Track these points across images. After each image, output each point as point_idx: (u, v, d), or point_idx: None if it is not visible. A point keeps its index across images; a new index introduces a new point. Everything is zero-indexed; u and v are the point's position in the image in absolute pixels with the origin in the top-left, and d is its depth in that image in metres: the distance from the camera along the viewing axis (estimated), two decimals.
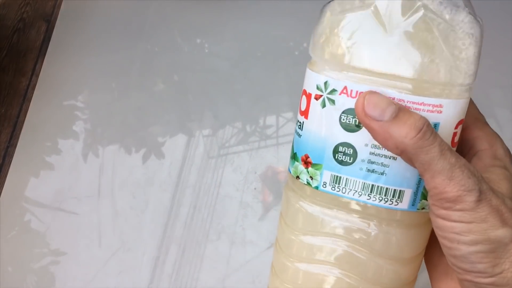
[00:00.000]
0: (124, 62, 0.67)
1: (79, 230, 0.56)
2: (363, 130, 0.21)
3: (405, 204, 0.22)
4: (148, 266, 0.54)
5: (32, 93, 0.65)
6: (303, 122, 0.24)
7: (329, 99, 0.22)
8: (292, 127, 0.61)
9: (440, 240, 0.21)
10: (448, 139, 0.22)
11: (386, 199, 0.22)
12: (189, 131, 0.61)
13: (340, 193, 0.23)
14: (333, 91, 0.22)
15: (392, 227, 0.23)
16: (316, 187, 0.23)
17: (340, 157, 0.22)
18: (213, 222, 0.56)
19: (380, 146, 0.21)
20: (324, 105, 0.22)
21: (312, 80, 0.23)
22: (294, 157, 0.25)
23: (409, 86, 0.21)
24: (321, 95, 0.22)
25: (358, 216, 0.23)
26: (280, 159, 0.59)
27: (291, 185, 0.26)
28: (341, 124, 0.22)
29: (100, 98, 0.65)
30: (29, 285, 0.53)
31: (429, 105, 0.21)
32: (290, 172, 0.25)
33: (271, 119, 0.61)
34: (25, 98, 0.65)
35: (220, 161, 0.59)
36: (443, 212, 0.20)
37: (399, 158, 0.21)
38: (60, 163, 0.60)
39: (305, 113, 0.24)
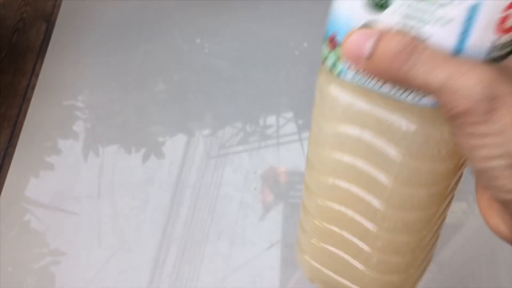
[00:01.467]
0: (124, 62, 0.67)
1: (79, 230, 0.56)
2: (391, 9, 0.19)
3: (428, 99, 0.20)
4: (148, 266, 0.54)
5: (32, 93, 0.65)
6: None
7: None
8: (292, 127, 0.61)
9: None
10: (490, 25, 0.18)
11: (406, 92, 0.20)
12: (189, 131, 0.61)
13: (362, 81, 0.21)
14: None
15: (416, 118, 0.21)
16: (339, 73, 0.22)
17: None
18: (213, 222, 0.56)
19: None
20: None
21: None
22: (324, 41, 0.22)
23: None
24: None
25: (387, 110, 0.21)
26: (280, 159, 0.59)
27: (322, 70, 0.24)
28: (368, 1, 0.19)
29: (100, 98, 0.65)
30: (29, 285, 0.53)
31: None
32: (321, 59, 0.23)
33: (271, 119, 0.61)
34: (25, 98, 0.65)
35: (220, 161, 0.59)
36: (457, 129, 0.18)
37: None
38: (60, 163, 0.60)
39: None
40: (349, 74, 0.21)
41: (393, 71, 0.18)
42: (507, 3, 0.17)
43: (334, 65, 0.22)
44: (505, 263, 0.52)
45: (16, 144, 0.62)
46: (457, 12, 0.17)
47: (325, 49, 0.22)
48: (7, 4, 0.73)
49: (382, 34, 0.19)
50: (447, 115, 0.18)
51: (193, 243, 0.55)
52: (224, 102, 0.63)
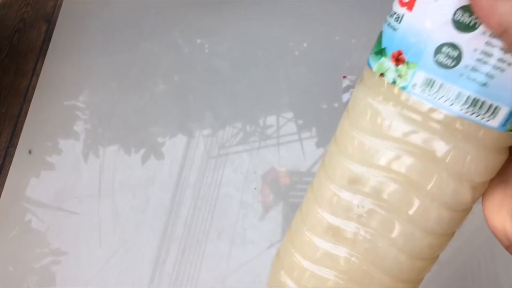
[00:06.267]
0: (124, 63, 0.67)
1: (79, 230, 0.56)
2: (477, 32, 0.19)
3: (496, 122, 0.20)
4: (148, 265, 0.54)
5: (33, 93, 0.66)
6: (403, 15, 0.21)
7: None
8: (292, 127, 0.61)
9: None
10: None
11: (478, 113, 0.20)
12: (189, 131, 0.62)
13: (429, 98, 0.20)
14: None
15: (471, 144, 0.21)
16: (404, 88, 0.21)
17: (441, 59, 0.20)
18: (213, 221, 0.56)
19: (490, 54, 0.19)
20: None
21: None
22: (381, 52, 0.22)
23: None
24: None
25: (438, 127, 0.21)
26: (280, 158, 0.59)
27: (366, 81, 0.23)
28: (454, 21, 0.19)
29: (100, 99, 0.65)
30: (30, 284, 0.54)
31: None
32: (372, 69, 0.23)
33: (271, 119, 0.62)
34: (26, 98, 0.66)
35: (220, 161, 0.59)
36: None
37: (507, 70, 0.19)
38: (60, 163, 0.61)
39: (409, 5, 0.21)
40: (418, 89, 0.21)
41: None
42: None
43: (396, 79, 0.22)
44: (505, 263, 0.52)
45: (17, 144, 0.62)
46: None
47: (384, 64, 0.22)
48: (7, 4, 0.73)
49: None
50: None
51: (194, 243, 0.55)
52: (224, 102, 0.63)
